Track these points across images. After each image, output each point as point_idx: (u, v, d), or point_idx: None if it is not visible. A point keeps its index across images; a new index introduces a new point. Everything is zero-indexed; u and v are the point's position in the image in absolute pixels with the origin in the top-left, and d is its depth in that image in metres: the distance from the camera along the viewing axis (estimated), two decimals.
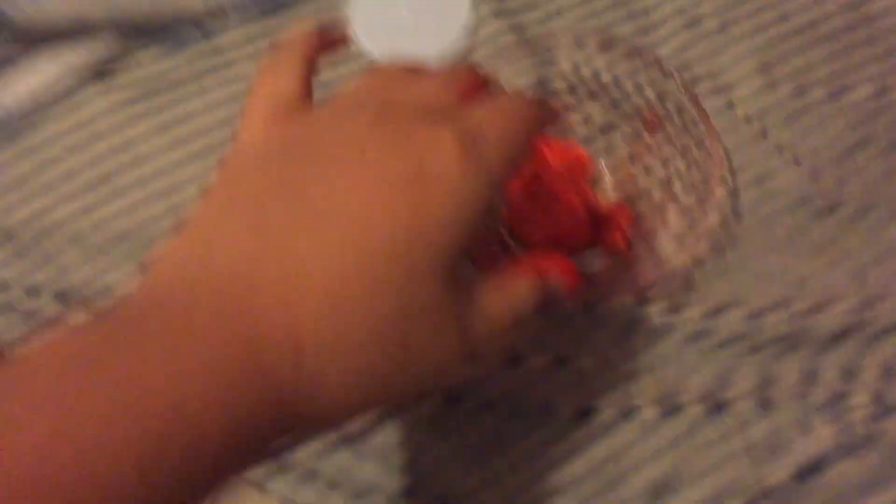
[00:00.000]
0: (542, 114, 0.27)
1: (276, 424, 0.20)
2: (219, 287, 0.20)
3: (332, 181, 0.21)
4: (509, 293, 0.25)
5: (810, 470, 0.38)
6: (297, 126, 0.24)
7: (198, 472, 0.18)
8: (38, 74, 0.47)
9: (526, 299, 0.25)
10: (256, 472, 0.41)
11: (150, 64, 0.50)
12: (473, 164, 0.22)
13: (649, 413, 0.40)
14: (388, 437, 0.40)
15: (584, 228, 0.40)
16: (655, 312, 0.40)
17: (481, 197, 0.22)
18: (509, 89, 0.40)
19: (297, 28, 0.28)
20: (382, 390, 0.22)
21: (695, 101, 0.37)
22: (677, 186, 0.40)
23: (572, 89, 0.41)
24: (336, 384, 0.21)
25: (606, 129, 0.43)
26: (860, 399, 0.39)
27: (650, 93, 0.39)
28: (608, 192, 0.42)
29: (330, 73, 0.30)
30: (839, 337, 0.40)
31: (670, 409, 0.39)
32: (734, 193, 0.42)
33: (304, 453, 0.41)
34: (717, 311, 0.40)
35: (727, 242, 0.42)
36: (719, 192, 0.37)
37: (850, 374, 0.40)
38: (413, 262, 0.21)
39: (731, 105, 0.44)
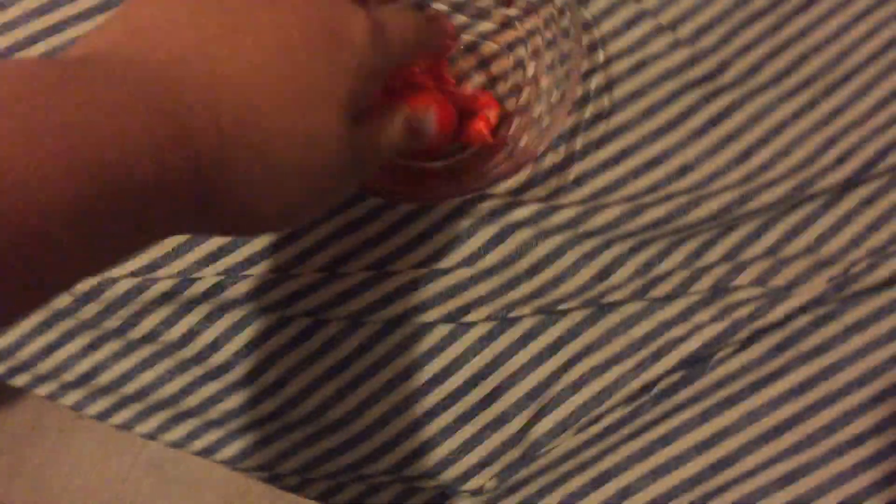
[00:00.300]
0: (433, 33, 0.32)
1: (194, 195, 0.22)
2: (153, 63, 0.22)
3: (260, 12, 0.24)
4: (385, 124, 0.29)
5: (693, 363, 0.37)
6: None
7: (128, 217, 0.20)
8: None
9: (398, 128, 0.30)
10: (120, 416, 0.38)
11: None
12: (378, 42, 0.26)
13: (528, 320, 0.37)
14: (252, 364, 0.38)
15: (450, 119, 0.37)
16: (528, 214, 0.37)
17: (377, 68, 0.26)
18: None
19: None
20: (292, 194, 0.25)
21: None
22: (543, 63, 0.37)
23: None
24: (249, 172, 0.23)
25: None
26: (745, 287, 0.37)
27: None
28: (472, 76, 0.39)
29: None
30: (722, 224, 0.38)
31: (550, 314, 0.37)
32: (603, 67, 0.39)
33: (169, 389, 0.38)
34: (595, 206, 0.37)
35: (600, 117, 0.39)
36: (581, 66, 0.34)
37: (732, 260, 0.38)
38: (317, 93, 0.24)
39: None
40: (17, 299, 0.18)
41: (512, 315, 0.38)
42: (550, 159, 0.39)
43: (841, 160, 0.39)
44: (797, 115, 0.39)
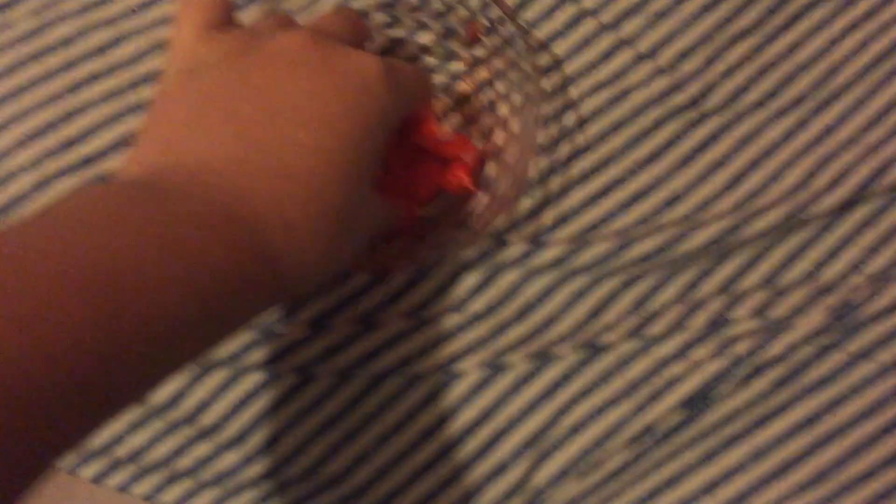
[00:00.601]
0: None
1: (268, 287, 0.24)
2: (206, 178, 0.23)
3: (291, 87, 0.25)
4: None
5: (694, 402, 0.36)
6: (232, 37, 0.27)
7: (212, 317, 0.22)
8: None
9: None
10: (115, 477, 0.38)
11: None
12: (393, 85, 0.27)
13: (521, 365, 0.36)
14: (242, 423, 0.37)
15: (435, 174, 0.36)
16: (515, 255, 0.36)
17: (398, 111, 0.27)
18: None
19: None
20: (339, 255, 0.27)
21: (505, 10, 0.33)
22: (511, 105, 0.36)
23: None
24: (316, 253, 0.25)
25: (433, 45, 0.39)
26: (743, 320, 0.36)
27: (475, 2, 0.35)
28: (446, 120, 0.38)
29: None
30: (716, 254, 0.37)
31: (543, 358, 0.36)
32: (578, 103, 0.38)
33: (162, 451, 0.38)
34: (583, 242, 0.36)
35: (580, 152, 0.38)
36: (541, 108, 0.33)
37: (729, 292, 0.37)
38: (359, 158, 0.26)
39: (583, 13, 0.39)
40: (152, 380, 0.21)
41: (504, 361, 0.36)
42: (531, 198, 0.38)
43: (836, 181, 0.37)
44: (787, 137, 0.38)
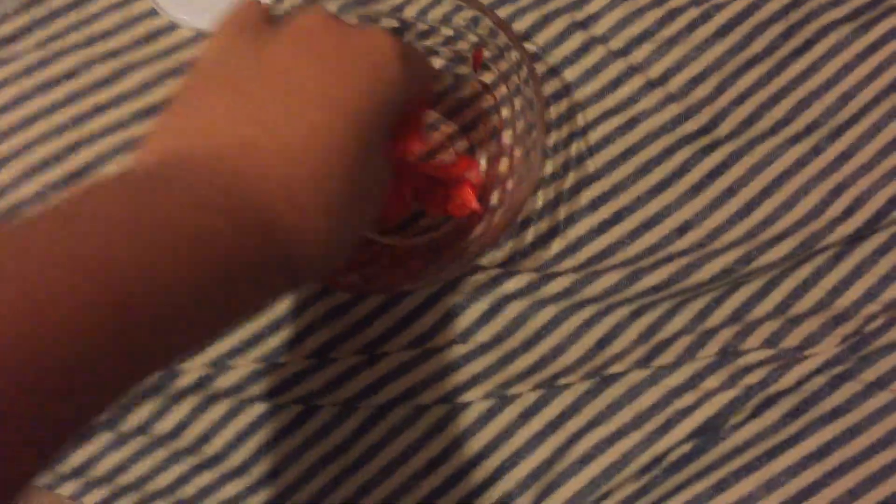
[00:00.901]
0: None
1: (280, 271, 0.24)
2: (215, 165, 0.23)
3: (304, 66, 0.25)
4: None
5: (705, 432, 0.35)
6: (257, 29, 0.27)
7: (225, 302, 0.22)
8: None
9: None
10: None
11: None
12: (407, 64, 0.26)
13: (527, 396, 0.36)
14: (248, 453, 0.37)
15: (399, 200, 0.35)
16: (521, 285, 0.36)
17: (409, 90, 0.27)
18: None
19: None
20: (350, 235, 0.27)
21: (511, 37, 0.32)
22: (515, 132, 0.35)
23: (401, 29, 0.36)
24: (326, 233, 0.25)
25: (442, 70, 0.38)
26: (754, 350, 0.35)
27: (483, 29, 0.34)
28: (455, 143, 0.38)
29: None
30: (727, 283, 0.36)
31: (550, 388, 0.36)
32: (586, 130, 0.37)
33: (165, 480, 0.37)
34: (591, 273, 0.36)
35: (588, 179, 0.37)
36: (544, 137, 0.33)
37: (740, 321, 0.36)
38: (370, 136, 0.25)
39: (593, 40, 0.38)
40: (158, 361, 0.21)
41: (510, 392, 0.36)
42: (538, 227, 0.37)
43: (850, 210, 0.36)
44: (800, 164, 0.37)
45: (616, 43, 0.38)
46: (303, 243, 0.24)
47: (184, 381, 0.36)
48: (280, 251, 0.23)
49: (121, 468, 0.38)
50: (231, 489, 0.37)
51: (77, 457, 0.38)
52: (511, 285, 0.36)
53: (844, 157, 0.37)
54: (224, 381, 0.36)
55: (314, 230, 0.24)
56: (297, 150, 0.24)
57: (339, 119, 0.25)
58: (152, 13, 0.39)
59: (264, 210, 0.23)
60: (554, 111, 0.38)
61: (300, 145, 0.24)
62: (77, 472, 0.38)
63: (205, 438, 0.37)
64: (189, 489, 0.37)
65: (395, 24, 0.36)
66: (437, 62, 0.37)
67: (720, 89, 0.37)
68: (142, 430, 0.37)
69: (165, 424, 0.37)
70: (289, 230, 0.23)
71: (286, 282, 0.25)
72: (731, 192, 0.37)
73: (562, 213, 0.37)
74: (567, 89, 0.38)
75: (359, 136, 0.25)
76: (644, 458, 0.35)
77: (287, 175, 0.24)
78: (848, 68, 0.38)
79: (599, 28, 0.38)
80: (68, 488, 0.38)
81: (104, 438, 0.38)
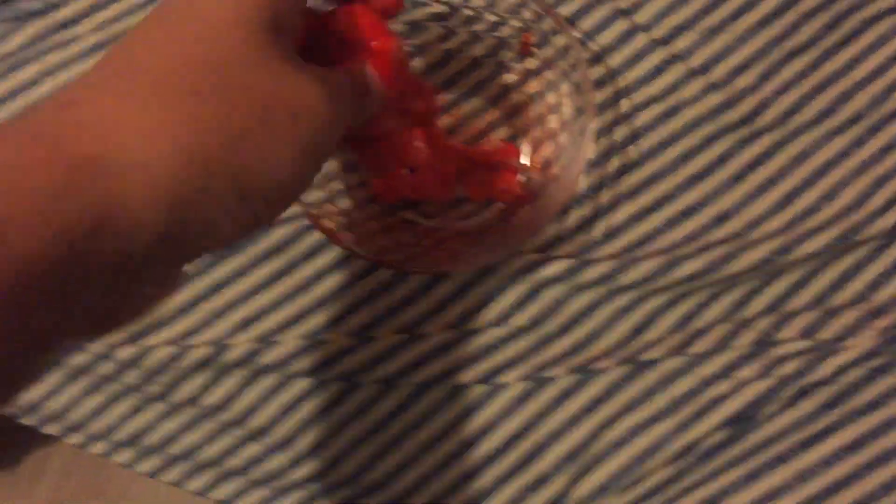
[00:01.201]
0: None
1: (102, 220, 0.18)
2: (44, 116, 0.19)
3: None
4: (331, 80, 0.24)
5: (739, 421, 0.35)
6: None
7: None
8: None
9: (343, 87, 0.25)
10: (170, 473, 0.39)
11: None
12: None
13: (563, 379, 0.37)
14: (292, 427, 0.38)
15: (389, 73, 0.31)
16: (560, 271, 0.36)
17: None
18: None
19: None
20: (263, 167, 0.21)
21: (558, 21, 0.33)
22: (561, 117, 0.36)
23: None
24: (158, 165, 0.19)
25: (485, 57, 0.39)
26: (791, 340, 0.36)
27: (529, 14, 0.35)
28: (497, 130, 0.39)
29: None
30: (765, 273, 0.36)
31: (586, 373, 0.36)
32: (629, 117, 0.38)
33: (214, 450, 0.39)
34: (629, 260, 0.36)
35: (629, 167, 0.38)
36: (593, 121, 0.33)
37: (777, 312, 0.36)
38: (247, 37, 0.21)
39: (636, 28, 0.39)
40: None
41: (547, 374, 0.37)
42: (578, 214, 0.38)
43: (891, 202, 0.36)
44: (843, 156, 0.37)
45: (658, 31, 0.38)
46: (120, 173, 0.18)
47: (233, 354, 0.38)
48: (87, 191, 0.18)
49: (171, 438, 0.40)
50: (275, 462, 0.38)
51: (131, 425, 0.39)
52: (550, 270, 0.37)
53: (887, 149, 0.37)
54: (270, 355, 0.38)
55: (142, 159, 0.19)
56: (133, 75, 0.20)
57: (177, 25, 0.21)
58: None
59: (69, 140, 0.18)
60: (597, 97, 0.38)
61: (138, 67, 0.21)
62: (132, 441, 0.40)
63: (250, 412, 0.39)
64: (236, 460, 0.39)
65: (443, 8, 0.37)
66: (481, 48, 0.38)
67: (763, 79, 0.38)
68: (192, 401, 0.39)
69: (214, 397, 0.39)
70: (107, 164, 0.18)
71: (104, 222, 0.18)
72: (771, 182, 0.37)
73: (604, 198, 0.38)
74: (610, 76, 0.38)
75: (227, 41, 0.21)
76: (678, 445, 0.36)
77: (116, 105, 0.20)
78: (892, 60, 0.37)
79: (642, 16, 0.39)
80: (123, 455, 0.40)
81: (157, 409, 0.39)
